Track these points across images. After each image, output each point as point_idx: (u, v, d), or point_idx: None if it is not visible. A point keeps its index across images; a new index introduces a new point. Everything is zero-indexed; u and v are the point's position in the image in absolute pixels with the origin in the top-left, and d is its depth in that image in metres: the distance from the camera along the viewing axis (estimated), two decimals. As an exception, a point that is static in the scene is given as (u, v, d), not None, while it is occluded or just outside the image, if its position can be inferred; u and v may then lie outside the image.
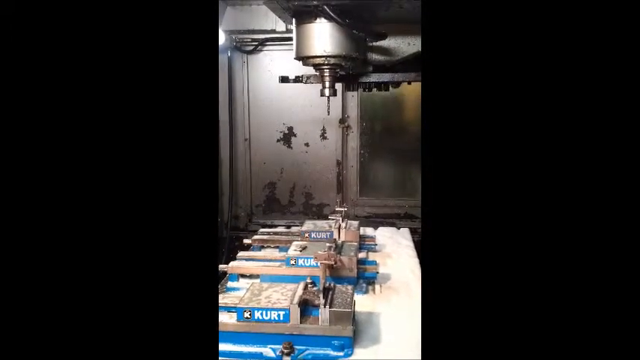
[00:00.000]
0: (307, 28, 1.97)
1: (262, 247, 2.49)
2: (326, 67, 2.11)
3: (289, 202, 4.37)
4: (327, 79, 2.17)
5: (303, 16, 1.97)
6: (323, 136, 4.23)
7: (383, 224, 3.48)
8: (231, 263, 2.19)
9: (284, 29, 3.56)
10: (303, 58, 2.06)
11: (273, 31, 3.71)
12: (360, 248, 2.44)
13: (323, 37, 1.95)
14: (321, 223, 2.62)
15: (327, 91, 2.20)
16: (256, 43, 4.10)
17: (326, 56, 1.99)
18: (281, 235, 2.62)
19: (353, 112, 4.17)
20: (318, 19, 1.94)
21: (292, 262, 2.06)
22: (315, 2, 1.79)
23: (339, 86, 2.70)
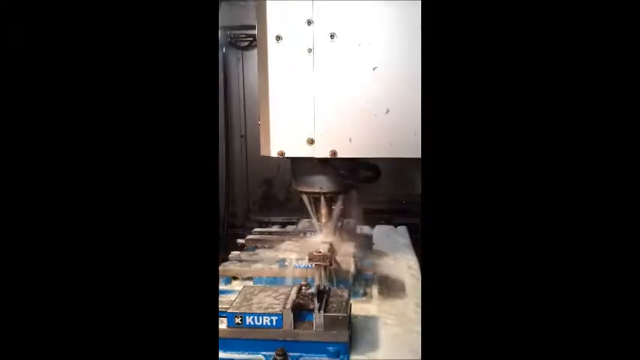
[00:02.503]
0: (304, 168, 1.97)
1: (256, 247, 2.43)
2: (322, 199, 2.08)
3: (286, 198, 4.32)
4: (323, 208, 2.12)
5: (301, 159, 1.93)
6: (320, 132, 4.16)
7: (379, 220, 3.43)
8: (223, 265, 2.14)
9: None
10: (301, 192, 2.07)
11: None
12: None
13: (319, 178, 1.97)
14: (317, 222, 2.54)
15: (323, 219, 2.13)
16: (251, 39, 4.04)
17: (323, 193, 2.01)
18: (276, 234, 2.56)
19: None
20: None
21: (286, 263, 2.01)
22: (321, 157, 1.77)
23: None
